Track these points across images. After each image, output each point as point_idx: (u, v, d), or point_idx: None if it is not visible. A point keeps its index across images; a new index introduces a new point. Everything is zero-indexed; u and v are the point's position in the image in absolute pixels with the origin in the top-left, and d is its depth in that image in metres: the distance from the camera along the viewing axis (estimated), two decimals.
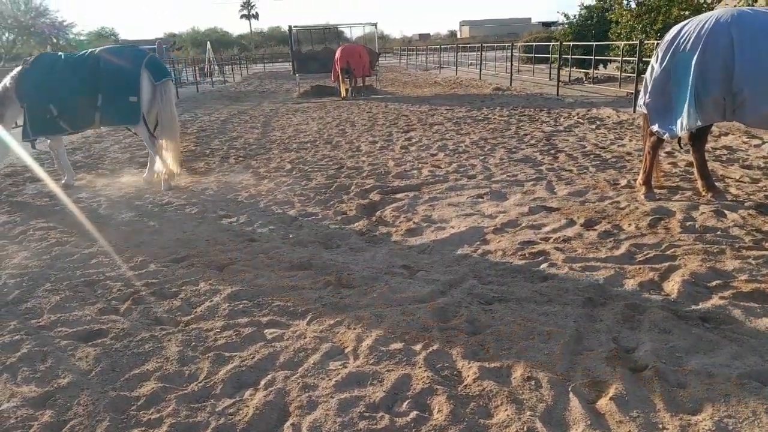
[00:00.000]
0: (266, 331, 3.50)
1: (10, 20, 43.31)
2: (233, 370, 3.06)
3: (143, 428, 2.64)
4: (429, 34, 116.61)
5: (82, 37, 52.32)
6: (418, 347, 3.20)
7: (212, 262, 4.65)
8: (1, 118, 7.33)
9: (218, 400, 2.83)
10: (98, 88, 6.99)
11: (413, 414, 2.62)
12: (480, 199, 6.15)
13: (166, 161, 7.32)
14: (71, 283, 4.34)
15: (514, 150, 8.74)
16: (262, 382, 2.96)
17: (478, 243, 4.84)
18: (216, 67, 35.89)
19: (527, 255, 4.51)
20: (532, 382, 2.82)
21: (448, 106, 15.07)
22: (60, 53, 7.63)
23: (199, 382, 2.99)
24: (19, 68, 7.25)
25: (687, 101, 5.14)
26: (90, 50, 7.36)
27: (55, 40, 45.75)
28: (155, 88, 7.14)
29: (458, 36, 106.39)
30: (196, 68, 32.83)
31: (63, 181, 7.69)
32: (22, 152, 7.97)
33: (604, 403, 2.65)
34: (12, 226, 5.88)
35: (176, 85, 24.69)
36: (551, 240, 4.81)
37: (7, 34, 43.98)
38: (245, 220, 5.77)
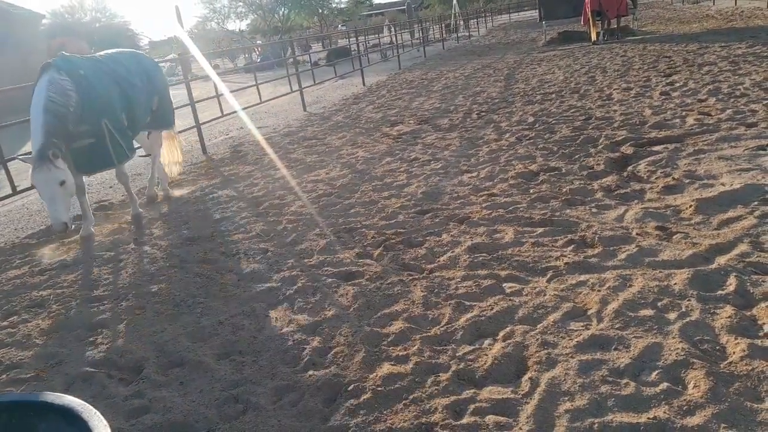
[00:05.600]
0: (505, 285, 3.54)
1: None
2: (473, 318, 3.17)
3: (392, 362, 2.91)
4: None
5: (342, 5, 57.37)
6: (672, 316, 2.91)
7: (454, 215, 4.82)
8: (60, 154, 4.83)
9: (458, 345, 2.98)
10: (155, 91, 6.35)
11: (663, 385, 2.41)
12: (761, 152, 5.21)
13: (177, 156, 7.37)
14: (335, 229, 4.92)
15: None
16: (501, 334, 3.01)
17: (756, 203, 4.13)
18: (461, 22, 36.24)
19: None
20: None
21: (724, 42, 12.89)
22: (80, 56, 5.72)
23: (441, 327, 3.17)
24: (52, 76, 5.01)
25: None
26: (110, 51, 6.19)
27: (320, 11, 51.04)
28: None
29: None
30: (442, 25, 33.58)
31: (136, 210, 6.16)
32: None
33: None
34: (289, 179, 6.87)
35: (424, 44, 25.65)
36: None
37: (283, 9, 50.32)
38: (485, 175, 5.82)
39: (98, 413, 1.65)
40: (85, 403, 1.73)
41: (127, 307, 3.96)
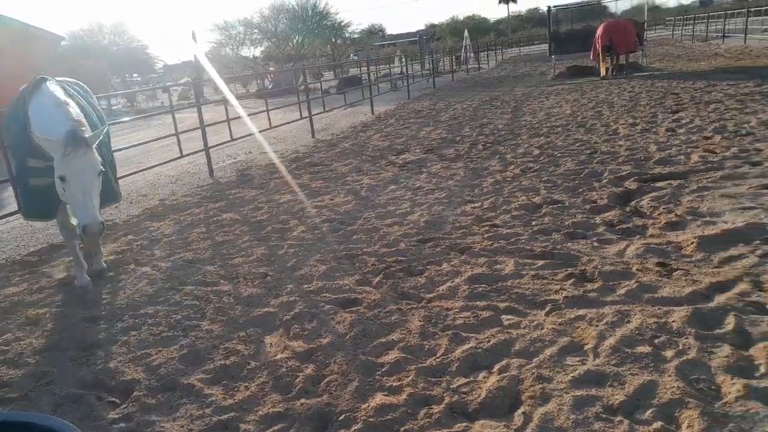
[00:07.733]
0: (503, 317, 3.51)
1: (300, 24, 50.13)
2: (469, 350, 3.14)
3: (385, 393, 2.88)
4: (712, 1, 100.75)
5: (355, 35, 58.18)
6: (669, 353, 2.87)
7: (455, 245, 4.81)
8: None
9: (453, 377, 2.94)
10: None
11: (657, 424, 2.37)
12: (766, 191, 5.19)
13: None
14: (336, 255, 4.92)
15: None
16: (497, 367, 2.98)
17: (758, 242, 4.10)
18: (471, 55, 36.68)
19: None
20: None
21: (731, 81, 12.96)
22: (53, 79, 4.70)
23: (437, 358, 3.14)
24: (50, 86, 4.38)
25: None
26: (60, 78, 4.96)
27: (334, 40, 51.77)
28: None
29: None
30: (453, 57, 33.99)
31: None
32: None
33: None
34: (293, 204, 6.90)
35: (434, 75, 25.92)
36: None
37: (297, 37, 51.07)
38: (488, 206, 5.82)
39: None
40: (71, 425, 1.71)
41: (122, 328, 3.95)
